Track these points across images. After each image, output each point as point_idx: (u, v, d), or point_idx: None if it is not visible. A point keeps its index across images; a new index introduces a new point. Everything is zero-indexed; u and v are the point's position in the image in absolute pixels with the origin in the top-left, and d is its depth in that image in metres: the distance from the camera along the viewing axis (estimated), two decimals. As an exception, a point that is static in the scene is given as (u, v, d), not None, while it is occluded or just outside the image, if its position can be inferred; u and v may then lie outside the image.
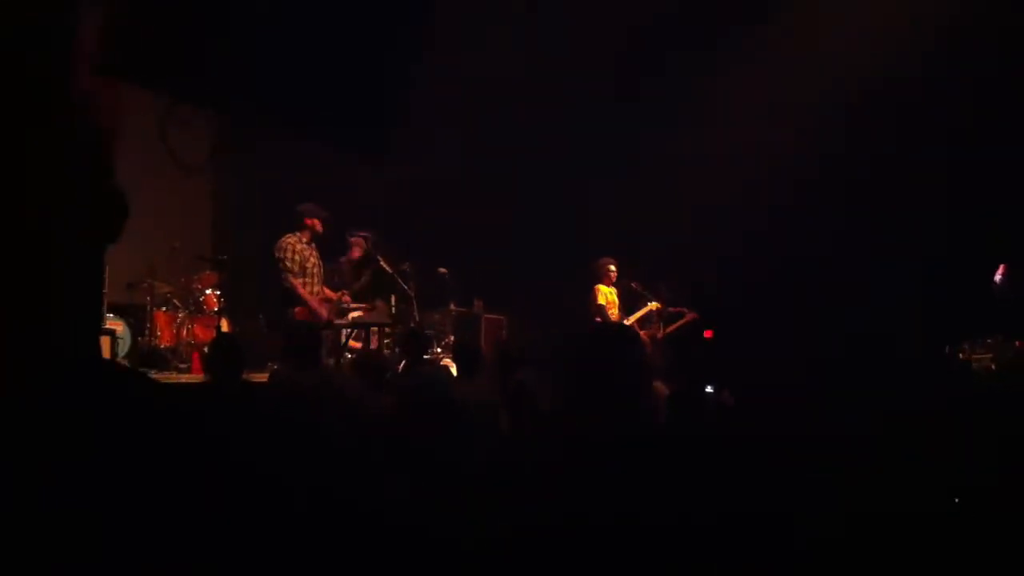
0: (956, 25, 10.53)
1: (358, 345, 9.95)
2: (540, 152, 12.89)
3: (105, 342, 9.05)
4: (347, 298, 9.53)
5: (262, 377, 7.77)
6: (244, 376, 6.20)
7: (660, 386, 8.28)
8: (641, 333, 11.11)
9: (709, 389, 8.16)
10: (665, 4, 11.32)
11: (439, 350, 11.30)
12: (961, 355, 10.66)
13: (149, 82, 3.43)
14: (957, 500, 3.33)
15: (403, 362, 8.24)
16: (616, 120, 12.78)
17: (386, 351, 9.88)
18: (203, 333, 10.51)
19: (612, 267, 11.75)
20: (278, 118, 4.13)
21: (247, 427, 1.06)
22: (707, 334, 12.41)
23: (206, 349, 10.12)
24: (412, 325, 9.66)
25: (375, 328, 10.07)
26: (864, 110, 11.62)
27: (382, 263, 9.72)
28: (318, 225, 9.09)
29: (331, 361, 8.98)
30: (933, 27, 10.52)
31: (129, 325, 10.41)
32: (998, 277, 9.84)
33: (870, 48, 10.81)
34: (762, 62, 11.34)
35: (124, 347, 10.10)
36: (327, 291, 9.25)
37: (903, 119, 11.63)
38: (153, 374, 8.79)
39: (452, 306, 12.11)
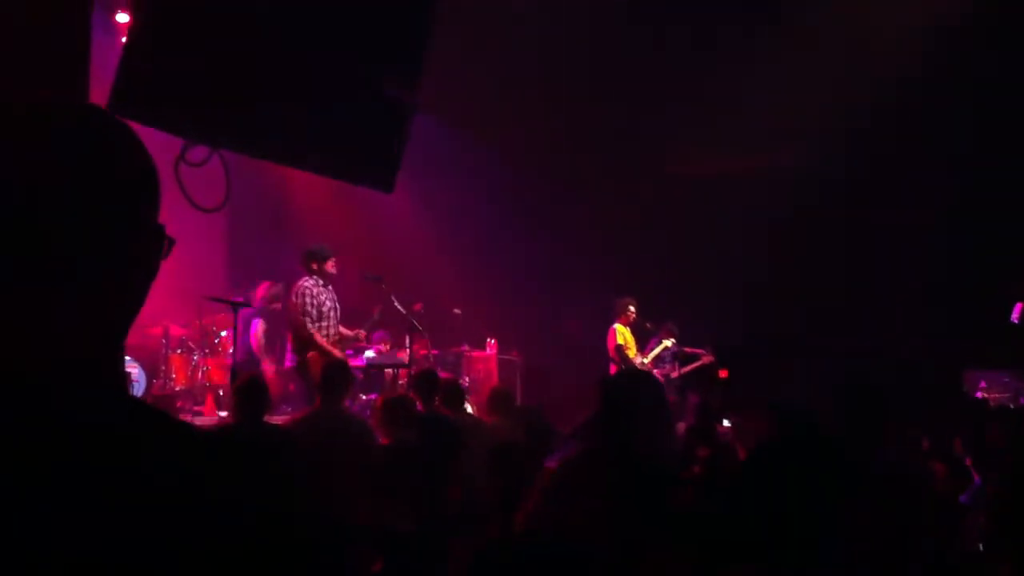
0: (967, 46, 10.50)
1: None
2: (551, 192, 12.94)
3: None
4: (363, 333, 9.54)
5: (275, 420, 7.76)
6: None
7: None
8: (655, 372, 11.07)
9: (726, 423, 8.15)
10: (677, 30, 11.33)
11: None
12: (979, 394, 10.58)
13: (163, 123, 3.47)
14: None
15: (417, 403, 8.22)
16: (629, 154, 12.82)
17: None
18: (218, 375, 10.51)
19: (632, 307, 11.73)
20: (287, 154, 4.17)
21: (279, 468, 1.07)
22: (722, 374, 12.36)
23: (221, 391, 10.16)
24: (426, 366, 9.64)
25: (391, 369, 10.07)
26: (880, 140, 11.60)
27: (395, 304, 9.72)
28: (332, 266, 9.09)
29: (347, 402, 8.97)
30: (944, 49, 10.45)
31: (143, 368, 10.42)
32: (1015, 315, 9.79)
33: (883, 72, 10.76)
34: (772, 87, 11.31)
35: (138, 391, 10.10)
36: (343, 329, 9.25)
37: (922, 153, 11.62)
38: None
39: (464, 346, 12.10)
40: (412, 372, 10.03)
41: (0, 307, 0.99)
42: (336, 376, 6.58)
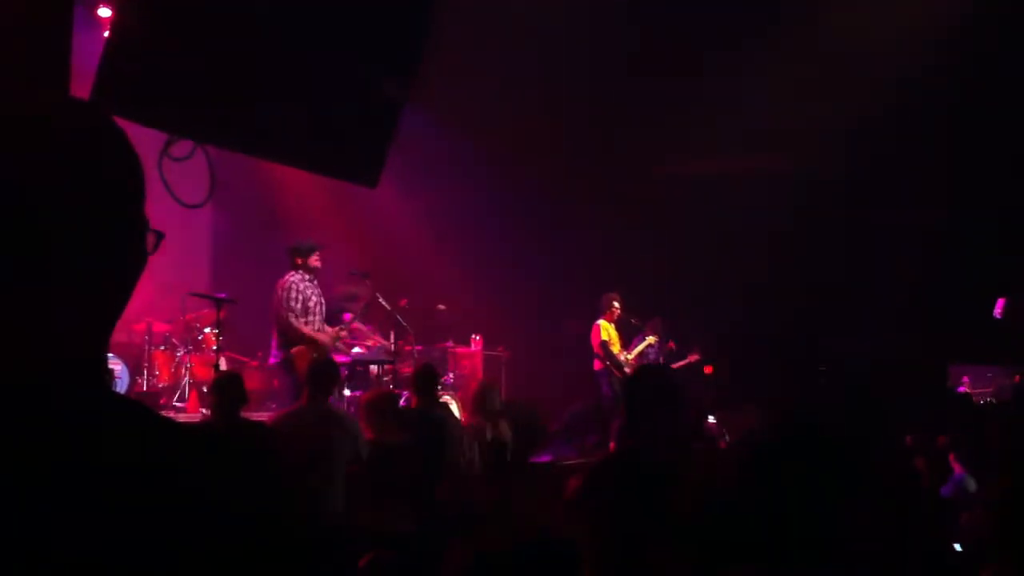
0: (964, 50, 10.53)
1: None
2: (539, 187, 12.92)
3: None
4: (344, 334, 9.49)
5: (260, 416, 7.72)
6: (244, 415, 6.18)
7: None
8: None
9: (712, 420, 8.19)
10: (672, 33, 11.31)
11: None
12: (962, 388, 10.63)
13: (144, 117, 3.42)
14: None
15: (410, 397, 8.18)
16: (629, 154, 12.81)
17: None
18: (202, 371, 10.44)
19: (616, 303, 11.72)
20: (270, 149, 4.12)
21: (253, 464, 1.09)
22: (707, 370, 12.39)
23: (205, 388, 10.09)
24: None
25: (375, 365, 10.04)
26: (880, 140, 11.63)
27: (380, 300, 9.68)
28: (317, 260, 9.03)
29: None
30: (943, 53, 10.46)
31: (127, 365, 10.35)
32: (998, 311, 9.83)
33: (883, 73, 10.77)
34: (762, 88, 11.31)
35: (121, 388, 10.02)
36: (327, 328, 9.21)
37: (922, 153, 11.65)
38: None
39: (449, 343, 12.07)
40: (397, 368, 10.01)
41: (0, 307, 1.00)
42: (323, 372, 6.56)
